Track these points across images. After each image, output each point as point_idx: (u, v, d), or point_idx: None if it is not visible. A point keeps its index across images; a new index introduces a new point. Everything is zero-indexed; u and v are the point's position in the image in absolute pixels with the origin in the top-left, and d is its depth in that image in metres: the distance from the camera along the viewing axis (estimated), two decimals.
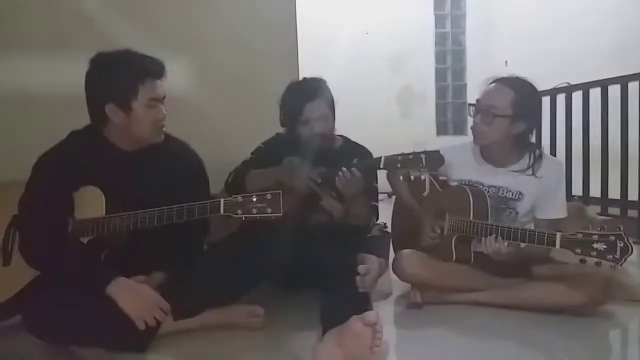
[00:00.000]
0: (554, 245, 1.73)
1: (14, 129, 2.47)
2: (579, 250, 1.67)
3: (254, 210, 1.61)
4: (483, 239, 1.88)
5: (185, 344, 1.74)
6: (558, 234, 1.72)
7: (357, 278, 1.81)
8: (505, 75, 2.07)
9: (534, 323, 1.85)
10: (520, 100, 1.98)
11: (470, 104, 2.08)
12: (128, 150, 1.82)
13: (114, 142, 1.81)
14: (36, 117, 2.49)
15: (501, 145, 2.05)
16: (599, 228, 1.67)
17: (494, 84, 2.04)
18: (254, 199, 1.61)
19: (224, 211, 1.63)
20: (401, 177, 1.82)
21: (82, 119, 1.82)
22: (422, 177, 1.78)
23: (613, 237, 1.62)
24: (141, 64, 1.74)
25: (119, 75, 1.72)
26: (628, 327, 1.95)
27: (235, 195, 1.65)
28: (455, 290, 2.04)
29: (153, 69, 1.75)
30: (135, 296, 1.62)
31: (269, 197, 1.61)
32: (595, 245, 1.64)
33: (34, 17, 2.55)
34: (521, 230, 1.82)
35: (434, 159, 1.78)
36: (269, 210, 1.60)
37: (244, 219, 1.62)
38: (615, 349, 1.82)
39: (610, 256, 1.61)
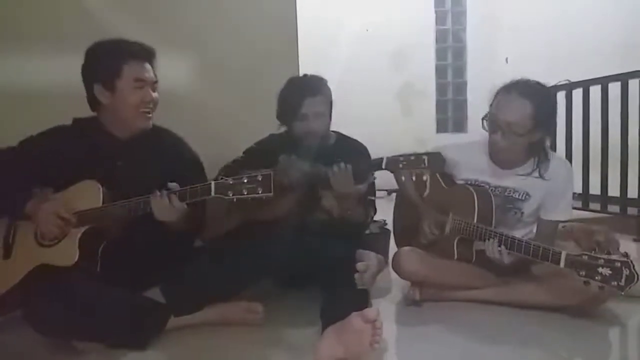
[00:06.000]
0: (558, 264, 1.71)
1: (14, 127, 2.45)
2: (584, 273, 1.65)
3: (245, 192, 1.59)
4: (487, 243, 1.86)
5: (185, 340, 1.74)
6: (563, 253, 1.70)
7: (356, 275, 1.81)
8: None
9: (533, 321, 1.86)
10: (539, 112, 1.90)
11: (484, 118, 1.98)
12: (121, 138, 1.84)
13: (108, 129, 1.84)
14: (36, 114, 2.47)
15: (515, 151, 2.01)
16: (605, 252, 1.65)
17: (510, 96, 1.92)
18: (245, 180, 1.59)
19: (215, 193, 1.62)
20: (403, 178, 1.82)
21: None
22: (424, 177, 1.78)
23: (619, 264, 1.60)
24: (126, 47, 1.80)
25: (104, 56, 1.79)
26: (628, 325, 1.95)
27: (226, 178, 1.64)
28: (454, 288, 2.04)
29: (138, 52, 1.81)
30: (40, 208, 1.70)
31: (259, 179, 1.59)
32: (600, 270, 1.62)
33: (34, 14, 2.54)
34: (525, 242, 1.80)
35: (436, 160, 1.76)
36: (259, 190, 1.58)
37: (235, 200, 1.60)
38: (615, 346, 1.83)
39: (615, 282, 1.60)
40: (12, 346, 1.74)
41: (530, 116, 1.90)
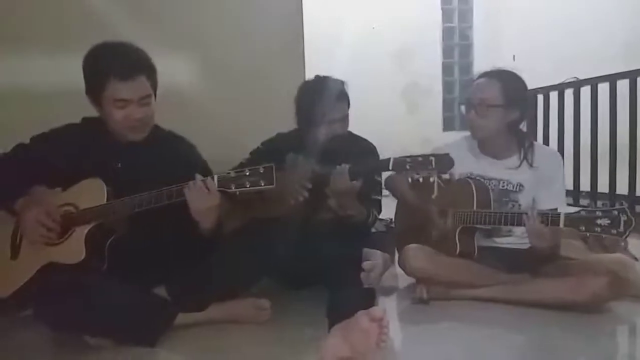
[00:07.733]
0: (558, 225, 1.75)
1: (14, 127, 2.46)
2: (583, 228, 1.69)
3: (248, 184, 1.60)
4: (525, 222, 1.84)
5: (191, 339, 1.74)
6: (562, 213, 1.75)
7: (362, 274, 1.81)
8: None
9: (540, 319, 1.85)
10: (508, 89, 2.03)
11: (461, 103, 2.08)
12: (121, 142, 1.83)
13: (111, 131, 1.83)
14: (36, 114, 2.47)
15: (497, 136, 2.08)
16: (602, 204, 1.68)
17: (481, 79, 2.09)
18: (247, 173, 1.60)
19: (218, 187, 1.63)
20: (410, 180, 1.82)
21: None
22: (431, 179, 1.77)
23: (616, 212, 1.65)
24: (111, 62, 1.73)
25: (89, 72, 1.77)
26: (634, 324, 1.94)
27: (228, 171, 1.65)
28: (461, 286, 2.03)
29: (122, 69, 1.72)
30: (26, 212, 1.71)
31: (262, 171, 1.60)
32: (599, 222, 1.66)
33: (34, 14, 2.55)
34: (524, 213, 1.84)
35: (444, 161, 1.75)
36: (262, 182, 1.59)
37: (237, 193, 1.61)
38: (621, 345, 1.82)
39: (615, 230, 1.64)
40: (20, 346, 1.75)
41: (500, 92, 2.02)
